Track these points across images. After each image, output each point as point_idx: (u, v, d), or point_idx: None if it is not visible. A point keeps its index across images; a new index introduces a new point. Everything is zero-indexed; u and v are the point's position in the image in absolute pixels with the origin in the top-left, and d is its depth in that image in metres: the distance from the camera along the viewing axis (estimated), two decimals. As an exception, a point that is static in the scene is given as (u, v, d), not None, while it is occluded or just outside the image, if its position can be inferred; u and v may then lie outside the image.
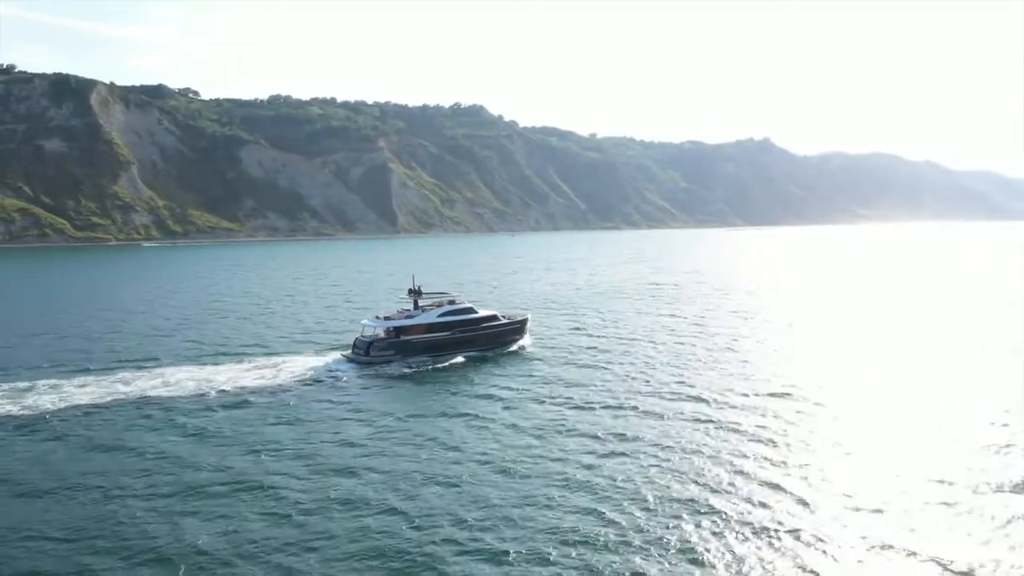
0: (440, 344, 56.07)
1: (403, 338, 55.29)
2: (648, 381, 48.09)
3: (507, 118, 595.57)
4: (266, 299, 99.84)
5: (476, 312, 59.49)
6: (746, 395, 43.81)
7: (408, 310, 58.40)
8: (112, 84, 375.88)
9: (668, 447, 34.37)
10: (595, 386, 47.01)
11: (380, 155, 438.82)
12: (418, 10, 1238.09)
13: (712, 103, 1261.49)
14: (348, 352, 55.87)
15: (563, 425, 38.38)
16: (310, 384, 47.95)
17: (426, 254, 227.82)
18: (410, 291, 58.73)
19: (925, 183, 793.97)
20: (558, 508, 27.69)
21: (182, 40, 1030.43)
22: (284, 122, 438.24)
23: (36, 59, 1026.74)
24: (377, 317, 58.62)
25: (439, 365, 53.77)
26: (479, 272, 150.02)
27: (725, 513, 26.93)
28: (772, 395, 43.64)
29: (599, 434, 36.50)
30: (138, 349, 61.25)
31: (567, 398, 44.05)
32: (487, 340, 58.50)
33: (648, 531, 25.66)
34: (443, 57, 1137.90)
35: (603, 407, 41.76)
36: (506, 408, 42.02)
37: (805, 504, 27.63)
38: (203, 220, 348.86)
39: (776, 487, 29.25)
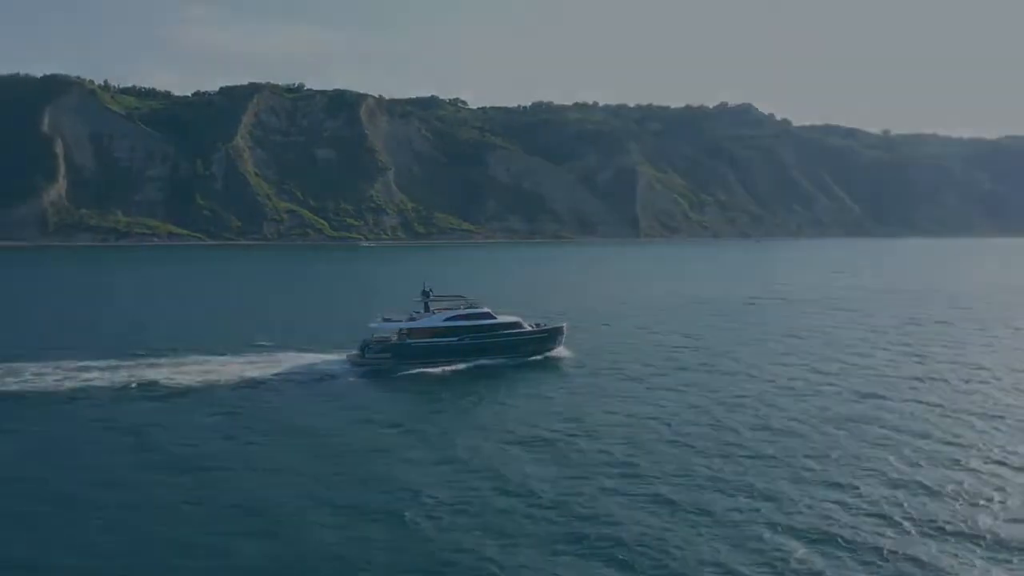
0: (445, 350, 50.92)
1: (402, 342, 51.31)
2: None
3: (779, 116, 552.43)
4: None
5: (493, 318, 52.74)
6: None
7: (419, 313, 53.13)
8: (380, 97, 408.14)
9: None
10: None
11: (630, 158, 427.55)
12: (696, 8, 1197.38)
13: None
14: (353, 353, 53.29)
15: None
16: (294, 381, 47.29)
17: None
18: (422, 293, 53.90)
19: None
20: None
21: (476, 55, 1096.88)
22: (540, 127, 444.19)
23: (361, 78, 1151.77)
24: (385, 319, 53.85)
25: (432, 371, 49.57)
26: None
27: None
28: None
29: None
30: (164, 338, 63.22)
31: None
32: (504, 349, 52.45)
33: None
34: (717, 56, 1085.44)
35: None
36: (479, 425, 38.77)
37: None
38: (445, 222, 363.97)
39: None
